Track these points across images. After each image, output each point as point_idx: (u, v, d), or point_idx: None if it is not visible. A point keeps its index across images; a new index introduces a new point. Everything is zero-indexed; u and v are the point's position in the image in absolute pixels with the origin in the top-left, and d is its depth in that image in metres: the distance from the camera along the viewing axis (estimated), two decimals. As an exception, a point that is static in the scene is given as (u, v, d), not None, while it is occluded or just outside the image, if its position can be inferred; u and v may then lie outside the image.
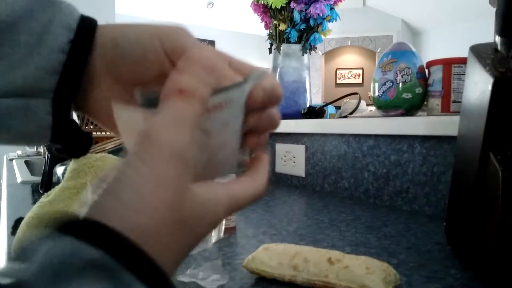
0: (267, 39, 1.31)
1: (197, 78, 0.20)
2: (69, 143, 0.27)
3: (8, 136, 0.25)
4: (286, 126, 1.13)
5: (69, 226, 0.16)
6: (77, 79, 0.25)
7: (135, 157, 0.18)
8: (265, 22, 1.30)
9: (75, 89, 0.25)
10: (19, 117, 0.24)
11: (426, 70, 0.84)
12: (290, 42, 1.23)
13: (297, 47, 1.24)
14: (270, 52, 1.32)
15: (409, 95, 0.82)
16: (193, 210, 0.19)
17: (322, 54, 5.93)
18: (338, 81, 6.07)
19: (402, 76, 0.83)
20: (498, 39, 0.45)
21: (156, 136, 0.18)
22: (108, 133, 1.47)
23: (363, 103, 1.21)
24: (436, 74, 0.80)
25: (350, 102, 1.23)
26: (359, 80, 5.96)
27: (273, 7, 1.20)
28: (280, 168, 1.17)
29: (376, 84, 0.88)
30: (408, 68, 0.82)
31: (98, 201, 0.17)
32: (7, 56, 0.23)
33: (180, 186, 0.18)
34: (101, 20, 0.26)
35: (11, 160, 1.77)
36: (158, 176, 0.18)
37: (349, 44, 5.85)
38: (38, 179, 1.07)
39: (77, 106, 0.27)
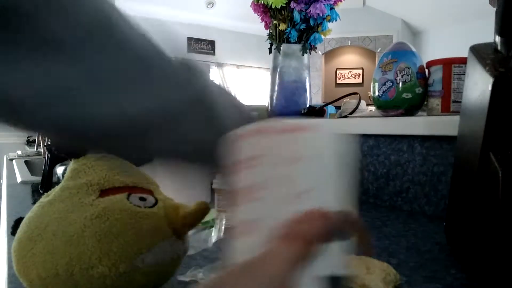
0: (267, 39, 1.30)
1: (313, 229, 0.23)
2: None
3: None
4: (286, 126, 1.12)
5: None
6: None
7: (229, 278, 0.20)
8: (265, 22, 1.30)
9: None
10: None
11: (426, 70, 0.84)
12: (290, 42, 1.23)
13: (297, 47, 1.24)
14: (270, 52, 1.31)
15: (409, 95, 0.82)
16: None
17: (322, 54, 5.92)
18: (338, 81, 6.06)
19: (402, 76, 0.83)
20: (498, 39, 0.45)
21: (253, 268, 0.20)
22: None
23: (363, 103, 1.21)
24: (436, 74, 0.80)
25: (350, 102, 1.23)
26: (359, 80, 5.96)
27: (273, 7, 1.20)
28: (280, 168, 1.17)
29: (376, 84, 0.88)
30: (408, 68, 0.82)
31: None
32: None
33: None
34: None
35: (11, 160, 1.76)
36: None
37: (349, 44, 5.84)
38: (38, 179, 1.07)
39: None
